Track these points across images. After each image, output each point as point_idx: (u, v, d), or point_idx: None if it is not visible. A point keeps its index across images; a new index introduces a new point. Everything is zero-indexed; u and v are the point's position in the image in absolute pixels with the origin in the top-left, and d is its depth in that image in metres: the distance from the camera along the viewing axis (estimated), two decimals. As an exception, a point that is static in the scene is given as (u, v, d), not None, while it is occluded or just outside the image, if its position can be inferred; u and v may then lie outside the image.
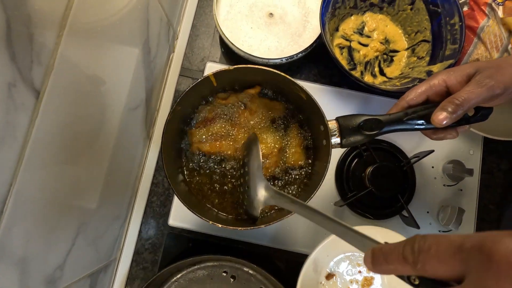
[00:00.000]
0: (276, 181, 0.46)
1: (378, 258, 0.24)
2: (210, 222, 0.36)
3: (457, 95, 0.34)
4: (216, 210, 0.44)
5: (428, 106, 0.37)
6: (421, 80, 0.50)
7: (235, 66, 0.38)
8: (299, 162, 0.45)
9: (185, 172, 0.45)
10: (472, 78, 0.35)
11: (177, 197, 0.38)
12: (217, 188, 0.45)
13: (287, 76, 0.39)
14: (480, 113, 0.37)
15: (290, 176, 0.46)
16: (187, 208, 0.37)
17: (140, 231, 0.54)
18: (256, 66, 0.39)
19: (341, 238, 0.28)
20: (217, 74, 0.39)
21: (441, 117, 0.35)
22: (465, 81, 0.36)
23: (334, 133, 0.39)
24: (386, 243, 0.24)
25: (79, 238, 0.37)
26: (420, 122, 0.37)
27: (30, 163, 0.27)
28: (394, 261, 0.23)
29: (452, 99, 0.34)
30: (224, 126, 0.46)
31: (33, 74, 0.25)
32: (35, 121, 0.26)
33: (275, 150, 0.45)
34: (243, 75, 0.42)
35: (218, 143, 0.45)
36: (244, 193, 0.39)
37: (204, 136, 0.45)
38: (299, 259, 0.52)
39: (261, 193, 0.36)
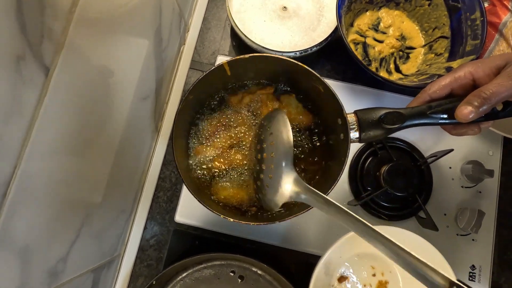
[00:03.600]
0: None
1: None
2: (222, 216, 0.34)
3: (485, 88, 0.32)
4: (225, 204, 0.42)
5: (453, 100, 0.35)
6: (440, 76, 0.49)
7: (251, 55, 0.37)
8: (308, 120, 0.43)
9: (193, 166, 0.43)
10: (502, 70, 0.33)
11: (186, 186, 0.36)
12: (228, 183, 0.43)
13: (306, 67, 0.37)
14: (510, 108, 0.35)
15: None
16: (197, 199, 0.35)
17: (145, 227, 0.52)
18: (273, 55, 0.38)
19: (372, 245, 0.25)
20: (231, 63, 0.37)
21: (466, 111, 0.33)
22: (494, 73, 0.34)
23: (353, 126, 0.38)
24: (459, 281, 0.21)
25: (83, 231, 0.35)
26: (445, 116, 0.35)
27: (36, 145, 0.25)
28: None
29: (479, 92, 0.33)
30: (233, 136, 0.44)
31: (43, 49, 0.24)
32: (44, 100, 0.25)
33: None
34: (258, 65, 0.40)
35: (227, 156, 0.43)
36: (263, 182, 0.34)
37: (211, 154, 0.43)
38: (310, 260, 0.50)
39: (287, 187, 0.32)
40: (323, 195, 0.30)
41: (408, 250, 0.23)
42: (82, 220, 0.35)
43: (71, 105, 0.29)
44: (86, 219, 0.36)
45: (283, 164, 0.33)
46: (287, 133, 0.33)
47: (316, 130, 0.45)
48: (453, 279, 0.21)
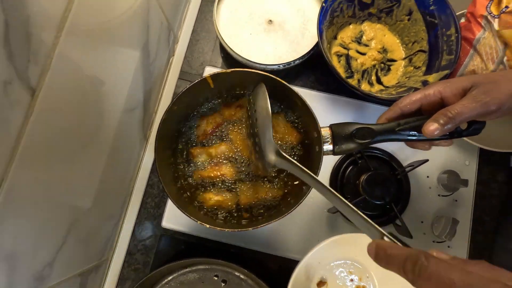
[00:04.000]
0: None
1: (381, 257, 0.25)
2: (198, 222, 0.36)
3: (451, 108, 0.34)
4: (207, 210, 0.45)
5: (420, 118, 0.37)
6: (416, 90, 0.51)
7: (232, 70, 0.39)
8: (296, 139, 0.46)
9: (179, 173, 0.45)
10: (468, 92, 0.35)
11: (166, 191, 0.38)
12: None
13: (282, 81, 0.39)
14: (473, 127, 0.37)
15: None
16: (174, 203, 0.37)
17: (133, 232, 0.54)
18: (253, 70, 0.40)
19: (345, 216, 0.31)
20: (214, 76, 0.40)
21: (432, 128, 0.35)
22: (461, 94, 0.36)
23: (327, 140, 0.40)
24: (390, 234, 0.25)
25: (71, 236, 0.37)
26: (412, 133, 0.38)
27: (23, 160, 0.27)
28: (394, 268, 0.24)
29: (445, 111, 0.35)
30: (226, 146, 0.46)
31: (29, 73, 0.26)
32: (30, 118, 0.27)
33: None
34: (240, 78, 0.42)
35: (217, 167, 0.45)
36: (256, 152, 0.40)
37: (203, 160, 0.46)
38: (292, 265, 0.52)
39: (271, 157, 0.37)
40: (298, 164, 0.35)
41: (356, 209, 0.30)
42: (69, 225, 0.37)
43: (59, 118, 0.31)
44: (74, 224, 0.38)
45: (266, 137, 0.38)
46: (266, 106, 0.38)
47: (303, 147, 0.47)
48: (385, 233, 0.27)
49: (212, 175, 0.45)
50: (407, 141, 0.39)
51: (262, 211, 0.45)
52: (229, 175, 0.45)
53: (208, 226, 0.36)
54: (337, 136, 0.39)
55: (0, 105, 0.24)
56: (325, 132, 0.40)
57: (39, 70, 0.27)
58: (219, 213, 0.44)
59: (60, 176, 0.34)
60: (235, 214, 0.44)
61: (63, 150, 0.33)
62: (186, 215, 0.37)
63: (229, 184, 0.46)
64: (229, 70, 0.40)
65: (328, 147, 0.39)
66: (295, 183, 0.45)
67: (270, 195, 0.45)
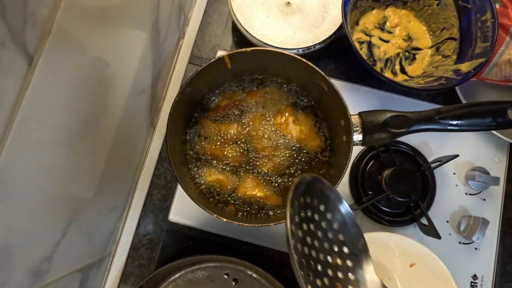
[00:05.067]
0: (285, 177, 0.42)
1: None
2: (215, 215, 0.32)
3: None
4: (221, 205, 0.41)
5: (464, 105, 0.34)
6: (447, 79, 0.47)
7: (253, 48, 0.35)
8: (316, 145, 0.42)
9: (192, 163, 0.42)
10: None
11: (179, 182, 0.34)
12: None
13: (309, 63, 0.36)
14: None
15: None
16: (189, 196, 0.34)
17: (138, 225, 0.51)
18: (277, 50, 0.36)
19: None
20: (232, 56, 0.36)
21: None
22: None
23: (356, 128, 0.36)
24: None
25: (71, 229, 0.34)
26: (454, 122, 0.34)
27: (18, 139, 0.24)
28: None
29: None
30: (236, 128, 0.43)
31: (26, 36, 0.22)
32: (27, 91, 0.23)
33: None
34: (260, 59, 0.38)
35: (222, 147, 0.42)
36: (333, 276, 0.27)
37: (211, 135, 0.42)
38: (307, 265, 0.48)
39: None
40: None
41: None
42: (69, 217, 0.34)
43: (61, 97, 0.28)
44: (74, 216, 0.35)
45: (362, 270, 0.27)
46: (359, 235, 0.28)
47: (319, 156, 0.43)
48: None
49: (215, 153, 0.42)
50: (447, 131, 0.35)
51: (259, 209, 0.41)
52: (231, 159, 0.42)
53: (225, 220, 0.33)
54: (367, 124, 0.36)
55: (-9, 71, 0.20)
56: (354, 120, 0.36)
57: (38, 34, 0.23)
58: (228, 203, 0.40)
59: (60, 163, 0.30)
60: (248, 209, 0.41)
61: (65, 135, 0.30)
62: (201, 207, 0.33)
63: (233, 168, 0.42)
64: (249, 49, 0.36)
65: (357, 137, 0.36)
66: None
67: (268, 200, 0.41)
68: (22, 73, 0.23)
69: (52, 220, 0.31)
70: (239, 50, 0.36)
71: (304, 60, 0.36)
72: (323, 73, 0.36)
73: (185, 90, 0.36)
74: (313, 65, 0.36)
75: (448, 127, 0.34)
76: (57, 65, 0.26)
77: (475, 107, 0.33)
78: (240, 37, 0.54)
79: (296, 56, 0.36)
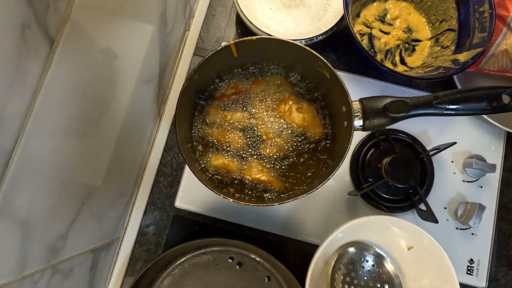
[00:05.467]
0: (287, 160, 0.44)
1: None
2: (222, 195, 0.34)
3: None
4: (222, 186, 0.43)
5: (460, 90, 0.35)
6: (446, 69, 0.48)
7: (258, 36, 0.37)
8: (319, 132, 0.44)
9: (198, 147, 0.43)
10: None
11: (186, 163, 0.36)
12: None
13: (312, 51, 0.37)
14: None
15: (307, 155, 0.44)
16: (197, 177, 0.35)
17: (145, 212, 0.52)
18: (280, 38, 0.37)
19: None
20: (238, 44, 0.37)
21: None
22: None
23: (357, 114, 0.37)
24: None
25: (84, 209, 0.35)
26: (451, 107, 0.35)
27: (39, 119, 0.25)
28: None
29: None
30: (242, 115, 0.44)
31: (48, 19, 0.23)
32: (48, 71, 0.25)
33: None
34: (265, 48, 0.40)
35: (227, 133, 0.43)
36: None
37: (217, 121, 0.44)
38: (309, 249, 0.50)
39: None
40: None
41: None
42: (83, 198, 0.35)
43: (74, 83, 0.29)
44: (87, 198, 0.36)
45: None
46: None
47: (321, 142, 0.45)
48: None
49: (221, 139, 0.44)
50: (444, 116, 0.36)
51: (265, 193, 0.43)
52: (235, 145, 0.43)
53: (232, 200, 0.34)
54: (368, 110, 0.37)
55: (17, 51, 0.21)
56: (355, 106, 0.37)
57: (59, 19, 0.25)
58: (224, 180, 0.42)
59: (73, 148, 0.32)
60: (250, 192, 0.42)
61: (76, 122, 0.31)
62: (208, 188, 0.35)
63: (237, 153, 0.44)
64: (254, 37, 0.37)
65: (358, 122, 0.37)
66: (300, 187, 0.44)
67: (271, 185, 0.43)
68: (44, 55, 0.24)
69: (67, 199, 0.33)
70: (245, 38, 0.37)
71: (307, 47, 0.37)
72: (325, 60, 0.37)
73: (193, 77, 0.37)
74: (315, 53, 0.37)
75: (445, 112, 0.35)
76: (74, 52, 0.27)
77: (471, 92, 0.35)
78: (244, 29, 0.56)
79: (299, 44, 0.37)
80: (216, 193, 0.34)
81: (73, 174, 0.33)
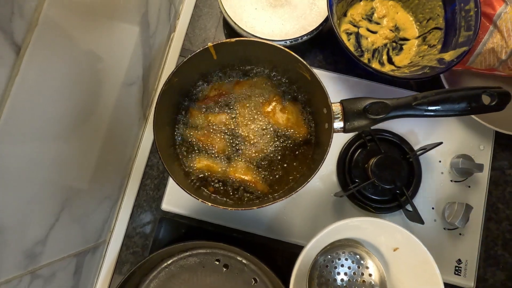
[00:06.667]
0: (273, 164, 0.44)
1: None
2: (200, 199, 0.34)
3: None
4: (211, 194, 0.42)
5: (439, 91, 0.35)
6: (431, 68, 0.48)
7: (237, 39, 0.36)
8: (303, 133, 0.43)
9: (182, 150, 0.43)
10: None
11: (164, 166, 0.36)
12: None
13: (291, 52, 0.37)
14: (496, 102, 0.34)
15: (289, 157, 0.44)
16: (174, 180, 0.35)
17: (132, 214, 0.52)
18: (259, 40, 0.37)
19: None
20: (217, 46, 0.37)
21: None
22: None
23: (338, 116, 0.37)
24: None
25: (64, 214, 0.35)
26: (430, 108, 0.35)
27: (10, 125, 0.25)
28: None
29: None
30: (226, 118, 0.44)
31: (13, 26, 0.23)
32: (15, 80, 0.24)
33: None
34: (245, 50, 0.40)
35: (210, 137, 0.43)
36: None
37: (201, 122, 0.44)
38: (296, 251, 0.50)
39: None
40: None
41: None
42: (62, 203, 0.35)
43: (52, 89, 0.29)
44: (67, 202, 0.36)
45: None
46: None
47: (304, 143, 0.45)
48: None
49: (204, 141, 0.44)
50: (424, 117, 0.36)
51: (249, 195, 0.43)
52: (219, 147, 0.43)
53: (210, 204, 0.34)
54: (348, 112, 0.37)
55: (-21, 59, 0.21)
56: (336, 108, 0.37)
57: (25, 25, 0.24)
58: (213, 188, 0.42)
59: (53, 153, 0.32)
60: (234, 193, 0.42)
61: (56, 125, 0.31)
62: (185, 191, 0.35)
63: (221, 155, 0.44)
64: (233, 39, 0.37)
65: (338, 124, 0.37)
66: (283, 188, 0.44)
67: (255, 186, 0.43)
68: (10, 62, 0.24)
69: (44, 204, 0.33)
70: (224, 40, 0.37)
71: (286, 49, 0.37)
72: (305, 63, 0.37)
73: (172, 80, 0.37)
74: (295, 55, 0.37)
75: (425, 113, 0.35)
76: (47, 57, 0.27)
77: (451, 93, 0.34)
78: (230, 30, 0.55)
79: (278, 45, 0.37)
80: (195, 197, 0.34)
81: (51, 179, 0.33)
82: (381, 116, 0.35)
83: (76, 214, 0.39)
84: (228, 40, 0.37)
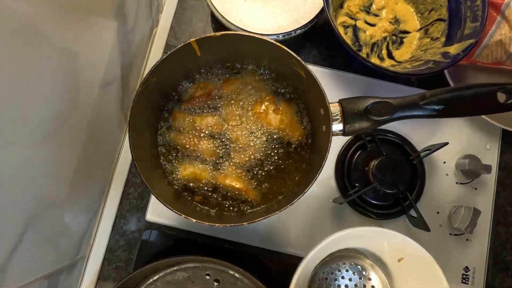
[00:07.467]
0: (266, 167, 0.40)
1: None
2: (182, 215, 0.30)
3: None
4: (197, 204, 0.39)
5: (450, 89, 0.31)
6: (435, 62, 0.44)
7: (222, 32, 0.32)
8: (298, 136, 0.40)
9: (165, 156, 0.39)
10: None
11: (141, 175, 0.31)
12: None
13: (284, 47, 0.33)
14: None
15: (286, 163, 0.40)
16: (153, 194, 0.31)
17: (113, 226, 0.48)
18: (247, 34, 0.33)
19: None
20: (200, 41, 0.33)
21: None
22: None
23: (336, 117, 0.33)
24: None
25: (28, 234, 0.31)
26: (440, 108, 0.31)
27: None
28: None
29: None
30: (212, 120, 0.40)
31: None
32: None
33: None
34: (233, 45, 0.35)
35: (196, 141, 0.39)
36: None
37: (185, 127, 0.40)
38: (293, 262, 0.46)
39: None
40: None
41: None
42: (26, 221, 0.31)
43: (24, 91, 0.25)
44: (32, 221, 0.32)
45: None
46: None
47: (300, 147, 0.41)
48: None
49: (190, 145, 0.39)
50: (433, 118, 0.32)
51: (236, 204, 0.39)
52: (206, 153, 0.39)
53: (194, 220, 0.30)
54: (348, 113, 0.33)
55: None
56: (334, 109, 0.33)
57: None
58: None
59: (22, 163, 0.28)
60: (226, 206, 0.38)
61: (29, 131, 0.27)
62: (167, 207, 0.30)
63: (209, 161, 0.40)
64: (218, 34, 0.33)
65: (337, 126, 0.33)
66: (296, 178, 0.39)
67: (246, 194, 0.39)
68: None
69: (3, 226, 0.28)
70: (207, 35, 0.33)
71: (278, 44, 0.33)
72: (299, 58, 0.33)
73: (149, 80, 0.33)
74: (288, 50, 0.33)
75: (434, 113, 0.31)
76: (18, 56, 0.23)
77: (462, 90, 0.31)
78: (218, 24, 0.51)
79: (269, 40, 0.33)
80: (177, 213, 0.30)
81: (12, 196, 0.28)
82: (384, 118, 0.32)
83: (46, 232, 0.34)
84: (212, 34, 0.33)
